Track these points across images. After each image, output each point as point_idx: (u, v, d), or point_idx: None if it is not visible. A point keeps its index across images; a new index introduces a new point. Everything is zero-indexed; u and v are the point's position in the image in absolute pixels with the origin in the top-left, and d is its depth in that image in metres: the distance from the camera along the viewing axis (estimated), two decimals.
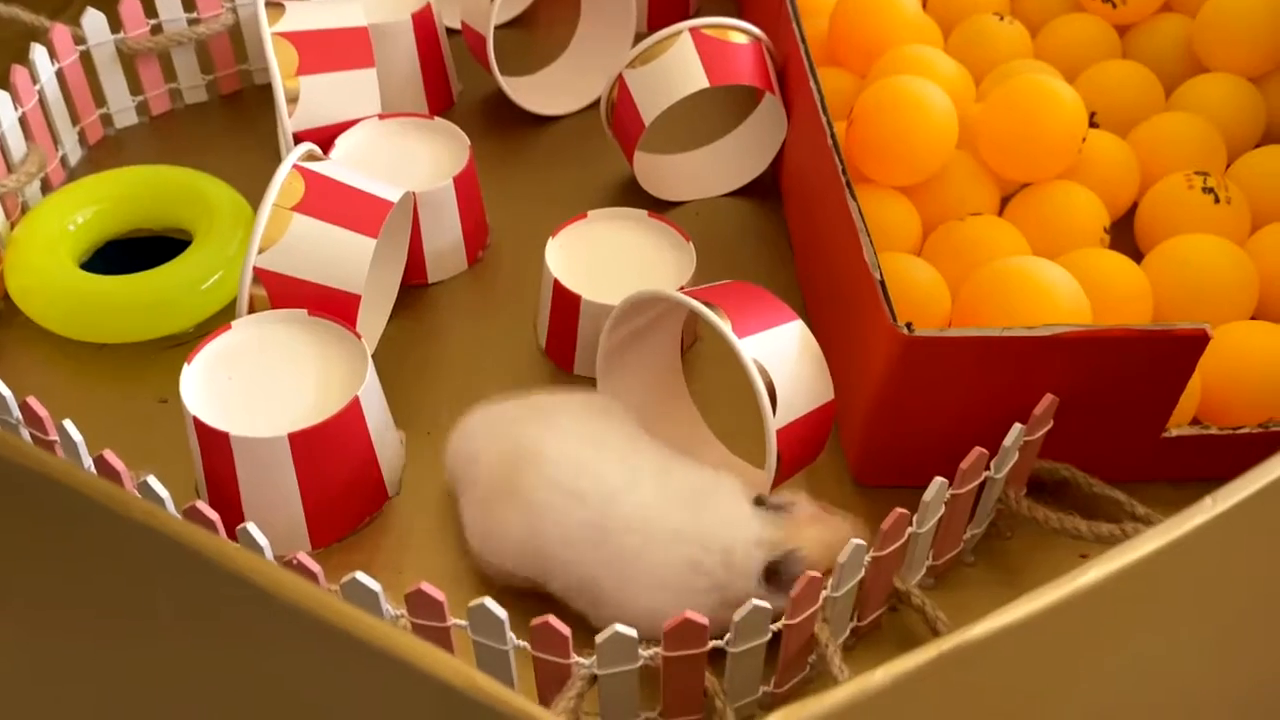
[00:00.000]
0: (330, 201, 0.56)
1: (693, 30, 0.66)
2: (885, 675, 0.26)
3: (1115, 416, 0.53)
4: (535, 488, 0.48)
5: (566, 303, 0.59)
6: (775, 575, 0.46)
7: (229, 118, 0.77)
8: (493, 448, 0.50)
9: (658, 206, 0.70)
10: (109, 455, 0.46)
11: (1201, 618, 0.36)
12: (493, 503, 0.49)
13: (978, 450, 0.47)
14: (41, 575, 0.36)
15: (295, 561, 0.43)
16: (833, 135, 0.58)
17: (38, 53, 0.67)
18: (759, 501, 0.48)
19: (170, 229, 0.67)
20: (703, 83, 0.65)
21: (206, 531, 0.30)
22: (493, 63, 0.72)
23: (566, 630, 0.41)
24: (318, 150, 0.60)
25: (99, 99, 0.73)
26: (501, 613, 0.41)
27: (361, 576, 0.42)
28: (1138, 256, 0.62)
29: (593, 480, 0.48)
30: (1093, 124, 0.69)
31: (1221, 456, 0.54)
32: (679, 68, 0.66)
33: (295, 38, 0.65)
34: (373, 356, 0.62)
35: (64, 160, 0.71)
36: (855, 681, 0.26)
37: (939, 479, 0.46)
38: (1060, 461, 0.54)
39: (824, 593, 0.44)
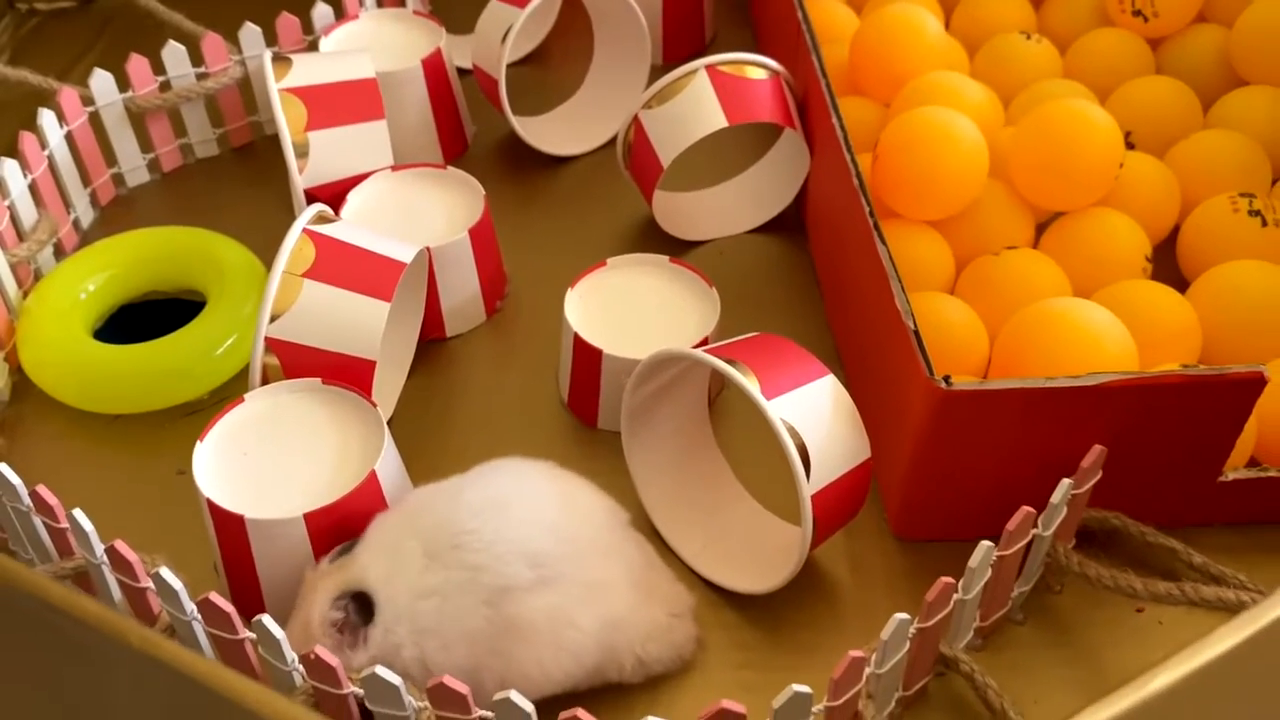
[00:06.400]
0: (341, 266, 0.54)
1: (709, 68, 0.64)
2: None
3: (1167, 463, 0.50)
4: None
5: (588, 357, 0.57)
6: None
7: (242, 170, 0.75)
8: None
9: (679, 245, 0.68)
10: (121, 546, 0.44)
11: None
12: None
13: (1024, 510, 0.45)
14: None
15: (314, 657, 0.41)
16: (858, 175, 0.56)
17: (45, 117, 0.66)
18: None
19: (183, 291, 0.66)
20: (721, 122, 0.63)
21: (194, 654, 0.28)
22: (505, 107, 0.71)
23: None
24: (329, 211, 0.58)
25: (110, 159, 0.72)
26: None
27: (382, 671, 0.40)
28: (1181, 284, 0.60)
29: None
30: (1128, 145, 0.67)
31: None
32: (696, 107, 0.63)
33: (303, 93, 0.64)
34: (392, 416, 0.60)
35: (76, 223, 0.70)
36: None
37: (985, 543, 0.44)
38: (1110, 510, 0.52)
39: (867, 670, 0.42)
